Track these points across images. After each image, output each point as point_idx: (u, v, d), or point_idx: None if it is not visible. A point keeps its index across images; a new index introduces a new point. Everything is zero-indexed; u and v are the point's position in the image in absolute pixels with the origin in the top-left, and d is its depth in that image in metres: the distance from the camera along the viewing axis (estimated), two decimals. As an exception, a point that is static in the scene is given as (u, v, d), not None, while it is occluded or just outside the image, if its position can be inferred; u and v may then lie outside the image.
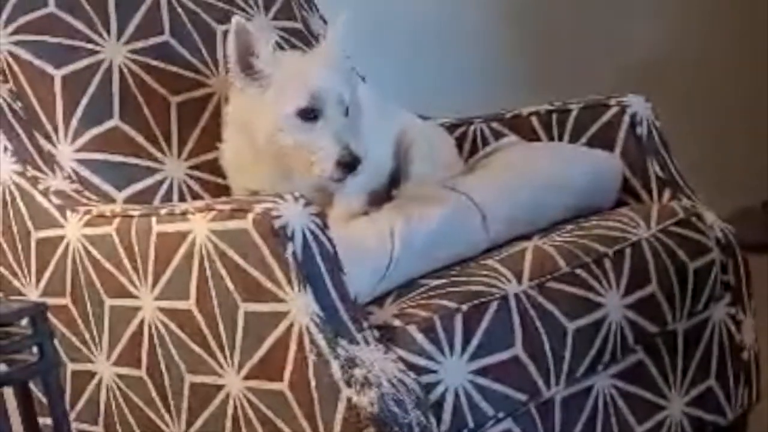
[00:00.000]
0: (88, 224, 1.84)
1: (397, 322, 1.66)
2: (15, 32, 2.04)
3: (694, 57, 3.67)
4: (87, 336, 1.90)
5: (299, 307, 1.57)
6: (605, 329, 1.87)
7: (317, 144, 1.83)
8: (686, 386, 2.05)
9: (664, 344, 2.02)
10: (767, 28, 3.88)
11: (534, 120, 2.33)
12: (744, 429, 2.15)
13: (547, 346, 1.77)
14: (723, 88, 3.74)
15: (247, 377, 1.64)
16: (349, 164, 1.81)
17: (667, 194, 2.20)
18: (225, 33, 2.24)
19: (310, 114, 1.85)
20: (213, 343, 1.67)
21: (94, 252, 1.83)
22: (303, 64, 1.92)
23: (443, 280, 1.80)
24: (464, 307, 1.71)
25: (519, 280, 1.80)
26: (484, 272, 1.81)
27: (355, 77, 1.95)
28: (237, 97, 1.94)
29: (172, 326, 1.72)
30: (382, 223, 1.83)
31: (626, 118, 2.21)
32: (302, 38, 2.39)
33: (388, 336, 1.64)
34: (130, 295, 1.78)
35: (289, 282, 1.57)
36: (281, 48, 2.26)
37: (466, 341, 1.68)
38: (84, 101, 2.03)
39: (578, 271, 1.88)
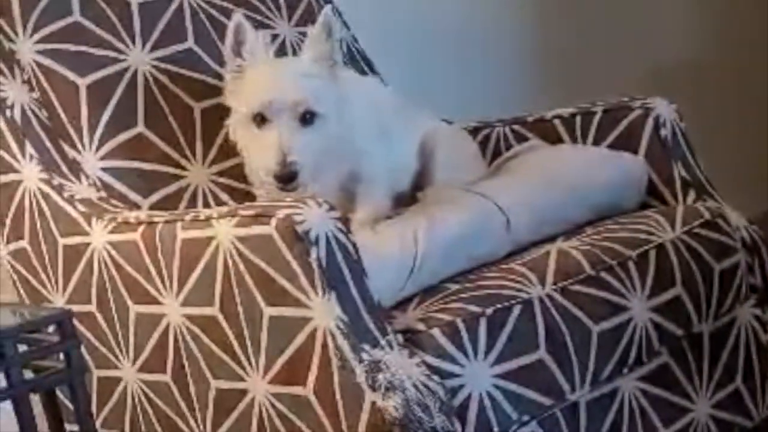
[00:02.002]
0: (113, 231, 1.86)
1: (420, 326, 1.66)
2: (41, 41, 2.05)
3: (720, 58, 3.65)
4: (113, 342, 1.91)
5: (323, 311, 1.57)
6: (630, 332, 1.86)
7: (259, 151, 1.86)
8: (712, 388, 2.04)
9: (689, 346, 2.01)
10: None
11: (557, 123, 2.32)
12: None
13: (571, 350, 1.77)
14: (749, 89, 3.72)
15: (271, 382, 1.65)
16: (282, 177, 1.81)
17: (691, 196, 2.19)
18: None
19: (259, 119, 1.86)
20: (238, 349, 1.68)
21: (120, 259, 1.84)
22: (270, 68, 1.92)
23: (467, 284, 1.79)
24: (488, 311, 1.70)
25: (543, 284, 1.80)
26: (508, 276, 1.81)
27: (339, 76, 1.94)
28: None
29: (197, 332, 1.73)
30: (405, 226, 1.83)
31: (650, 121, 2.21)
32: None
33: (412, 340, 1.64)
34: (156, 302, 1.79)
35: (313, 287, 1.57)
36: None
37: (490, 345, 1.68)
38: (109, 109, 2.05)
39: (603, 273, 1.87)
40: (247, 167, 2.03)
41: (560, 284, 1.81)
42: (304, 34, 2.34)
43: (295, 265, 1.57)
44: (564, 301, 1.79)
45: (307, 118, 1.87)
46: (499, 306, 1.72)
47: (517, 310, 1.73)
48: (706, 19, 3.70)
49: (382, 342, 1.59)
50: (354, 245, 1.62)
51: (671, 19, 3.62)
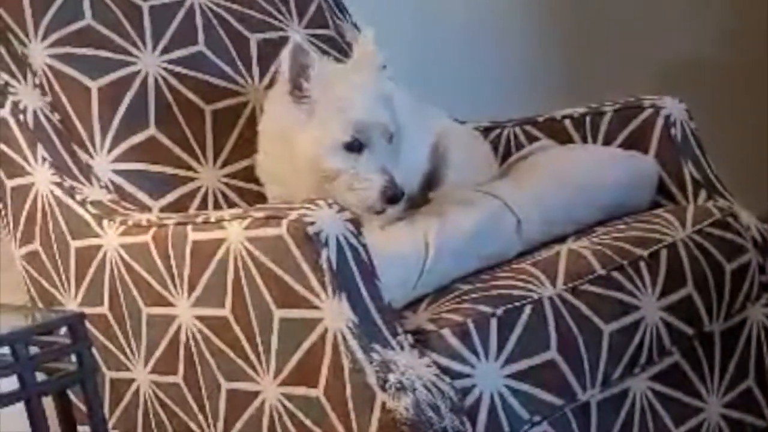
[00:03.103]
0: (124, 233, 1.86)
1: (431, 327, 1.67)
2: (53, 45, 2.06)
3: (729, 57, 3.63)
4: (125, 344, 1.91)
5: (334, 313, 1.57)
6: (641, 332, 1.86)
7: (361, 176, 1.83)
8: (724, 388, 2.04)
9: (700, 346, 2.00)
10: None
11: (568, 123, 2.32)
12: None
13: (582, 350, 1.77)
14: (757, 87, 3.71)
15: (282, 383, 1.65)
16: (392, 198, 1.81)
17: (702, 195, 2.19)
18: (260, 43, 2.28)
19: (354, 146, 1.85)
20: (249, 350, 1.68)
21: (131, 261, 1.84)
22: (348, 92, 1.88)
23: (477, 284, 1.79)
24: (499, 311, 1.70)
25: (554, 284, 1.80)
26: (519, 276, 1.81)
27: (393, 92, 1.94)
28: (278, 112, 1.93)
29: (208, 333, 1.74)
30: (416, 227, 1.83)
31: (660, 120, 2.21)
32: (334, 45, 2.40)
33: (422, 340, 1.64)
34: (167, 303, 1.80)
35: (324, 288, 1.57)
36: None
37: (501, 345, 1.68)
38: (120, 112, 2.05)
39: (613, 273, 1.87)
40: (258, 167, 2.04)
41: (571, 284, 1.81)
42: (316, 37, 2.36)
43: (305, 266, 1.58)
44: (575, 301, 1.79)
45: (391, 137, 1.89)
46: (509, 306, 1.72)
47: (527, 311, 1.73)
48: (715, 18, 3.69)
49: (393, 343, 1.60)
50: (365, 246, 1.62)
51: (681, 18, 3.61)
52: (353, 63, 1.96)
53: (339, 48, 2.40)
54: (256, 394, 1.70)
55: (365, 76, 1.92)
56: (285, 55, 1.86)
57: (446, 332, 1.65)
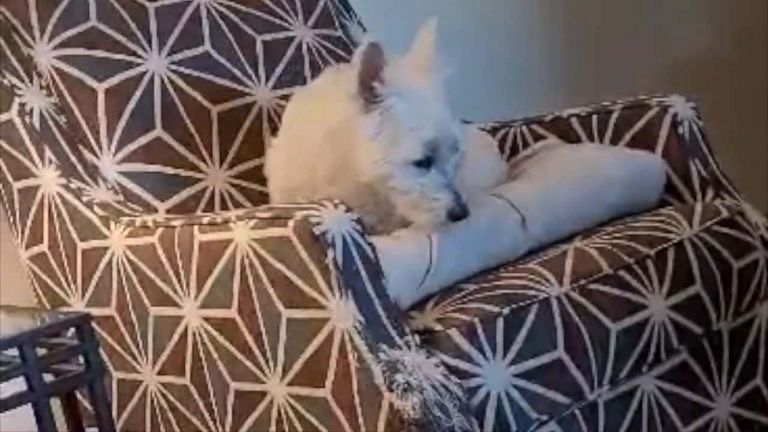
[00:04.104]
0: (131, 235, 1.86)
1: (438, 327, 1.67)
2: (58, 47, 2.07)
3: (737, 55, 3.63)
4: (132, 345, 1.91)
5: (341, 313, 1.57)
6: (649, 331, 1.86)
7: (429, 194, 1.78)
8: (732, 387, 2.03)
9: (709, 344, 2.00)
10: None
11: (574, 122, 2.32)
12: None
13: (590, 349, 1.77)
14: (765, 85, 3.70)
15: (290, 384, 1.65)
16: (458, 216, 1.78)
17: (710, 193, 2.18)
18: (266, 43, 2.28)
19: (423, 163, 1.79)
20: (256, 351, 1.68)
21: (138, 262, 1.84)
22: (421, 107, 1.79)
23: (484, 284, 1.79)
24: (506, 311, 1.70)
25: (560, 283, 1.79)
26: (526, 275, 1.81)
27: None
28: (339, 110, 1.81)
29: (216, 334, 1.74)
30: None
31: (667, 118, 2.20)
32: (341, 45, 2.41)
33: (429, 340, 1.64)
34: (174, 304, 1.80)
35: (330, 288, 1.57)
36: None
37: (508, 344, 1.68)
38: (126, 113, 2.06)
39: (621, 272, 1.87)
40: (268, 160, 2.02)
41: (578, 283, 1.81)
42: (322, 37, 2.36)
43: (312, 266, 1.58)
44: (582, 300, 1.79)
45: (458, 151, 1.84)
46: (516, 306, 1.72)
47: (534, 310, 1.73)
48: (722, 15, 3.68)
49: (400, 342, 1.60)
50: (371, 246, 1.62)
51: (687, 16, 3.60)
52: (417, 57, 1.86)
53: (345, 48, 2.40)
54: (264, 394, 1.70)
55: (433, 82, 1.84)
56: (359, 53, 1.75)
57: (453, 332, 1.65)
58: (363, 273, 1.60)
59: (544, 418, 1.71)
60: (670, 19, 3.57)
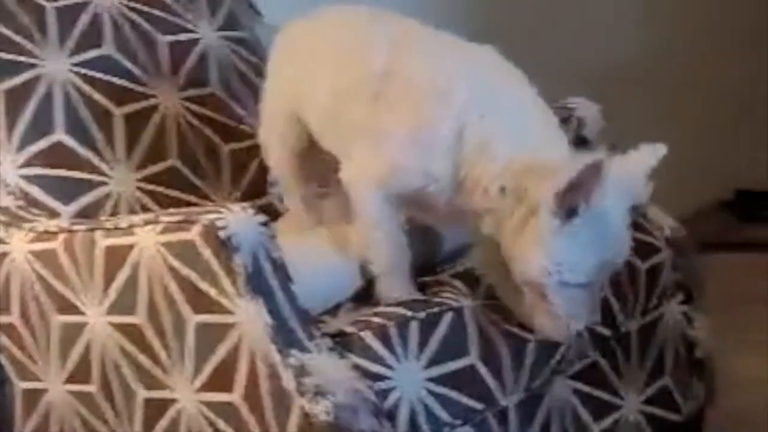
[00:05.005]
0: (33, 240, 1.83)
1: (351, 329, 1.66)
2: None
3: (649, 61, 3.69)
4: (36, 354, 1.87)
5: (249, 317, 1.56)
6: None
7: (571, 310, 1.67)
8: (641, 384, 2.05)
9: (618, 344, 2.01)
10: (724, 32, 3.92)
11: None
12: (700, 424, 2.15)
13: (505, 359, 1.76)
14: (677, 91, 3.77)
15: (199, 390, 1.63)
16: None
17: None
18: (170, 44, 2.24)
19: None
20: (163, 357, 1.66)
21: (40, 269, 1.81)
22: (608, 227, 1.66)
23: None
24: (420, 315, 1.71)
25: (474, 296, 1.79)
26: (441, 286, 1.82)
27: None
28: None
29: (122, 341, 1.71)
30: (335, 232, 1.85)
31: (573, 121, 2.21)
32: (248, 47, 2.38)
33: (342, 343, 1.64)
34: (78, 312, 1.77)
35: (238, 293, 1.56)
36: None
37: (422, 348, 1.68)
38: (26, 116, 2.01)
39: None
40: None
41: (492, 299, 1.80)
42: (227, 39, 2.32)
43: (219, 271, 1.57)
44: (494, 315, 1.78)
45: None
46: (431, 311, 1.72)
47: (449, 316, 1.73)
48: (633, 20, 3.74)
49: (310, 346, 1.58)
50: (279, 250, 1.61)
51: (599, 19, 3.65)
52: (633, 163, 1.73)
53: (253, 50, 2.37)
54: (173, 401, 1.67)
55: (626, 202, 1.71)
56: (576, 167, 1.58)
57: (366, 334, 1.65)
58: (271, 277, 1.58)
59: (457, 422, 1.71)
60: (594, 21, 3.61)
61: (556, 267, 1.63)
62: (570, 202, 1.60)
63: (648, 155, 1.73)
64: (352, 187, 1.80)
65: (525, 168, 1.66)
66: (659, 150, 1.74)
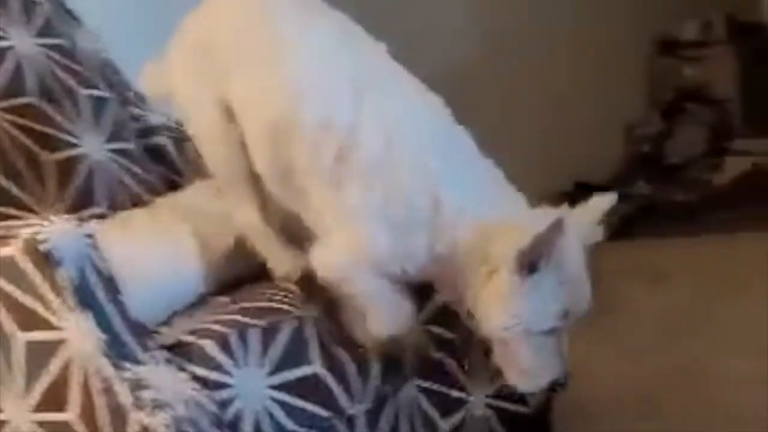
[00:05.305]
0: None
1: (190, 338, 1.64)
2: None
3: (483, 59, 3.74)
4: None
5: (79, 332, 1.53)
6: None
7: (541, 361, 1.69)
8: (488, 379, 2.06)
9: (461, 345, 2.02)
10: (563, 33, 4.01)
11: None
12: (548, 414, 2.17)
13: (349, 368, 1.76)
14: (516, 92, 3.84)
15: (33, 410, 1.59)
16: (559, 386, 1.75)
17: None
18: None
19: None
20: (-8, 379, 1.61)
21: None
22: (570, 278, 1.68)
23: (237, 297, 1.80)
24: (261, 322, 1.70)
25: (314, 302, 1.79)
26: (281, 294, 1.80)
27: None
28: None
29: (-52, 365, 1.65)
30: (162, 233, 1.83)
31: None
32: (67, 54, 2.29)
33: (181, 353, 1.62)
34: None
35: (65, 308, 1.52)
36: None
37: (263, 355, 1.67)
38: None
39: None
40: None
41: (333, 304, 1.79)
42: (45, 46, 2.24)
43: (43, 286, 1.53)
44: (334, 326, 1.77)
45: None
46: (272, 319, 1.71)
47: (291, 324, 1.72)
48: (476, 22, 3.79)
49: (145, 358, 1.56)
50: (106, 261, 1.58)
51: (444, 21, 3.69)
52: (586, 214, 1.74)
53: (72, 57, 2.29)
54: (5, 423, 1.63)
55: (583, 251, 1.72)
56: (539, 226, 1.61)
57: (206, 342, 1.64)
58: (99, 290, 1.55)
59: (302, 430, 1.70)
60: (440, 18, 3.64)
61: (515, 320, 1.65)
62: (531, 258, 1.62)
63: (600, 202, 1.76)
64: (327, 276, 1.75)
65: (490, 229, 1.68)
66: (611, 198, 1.76)
